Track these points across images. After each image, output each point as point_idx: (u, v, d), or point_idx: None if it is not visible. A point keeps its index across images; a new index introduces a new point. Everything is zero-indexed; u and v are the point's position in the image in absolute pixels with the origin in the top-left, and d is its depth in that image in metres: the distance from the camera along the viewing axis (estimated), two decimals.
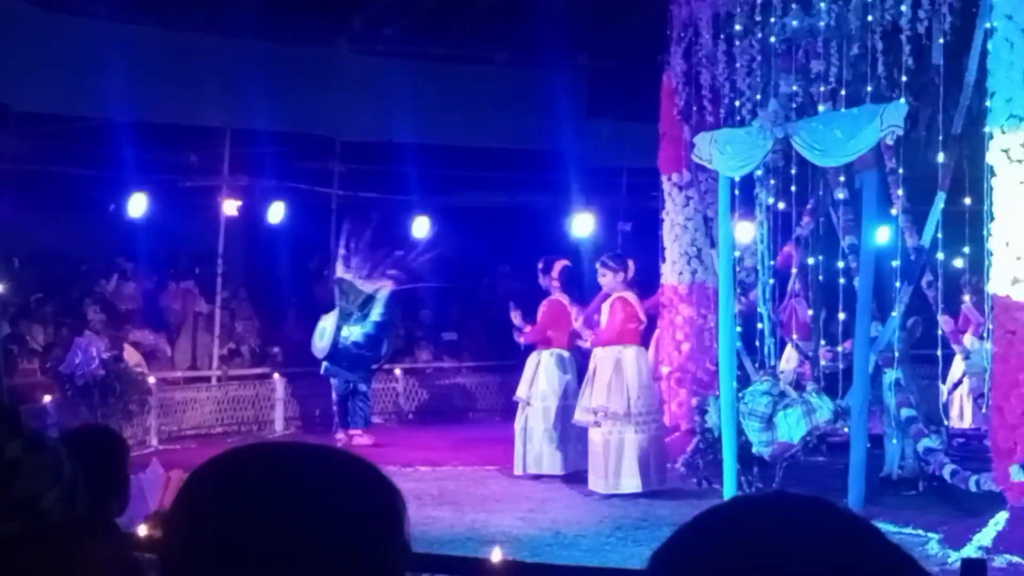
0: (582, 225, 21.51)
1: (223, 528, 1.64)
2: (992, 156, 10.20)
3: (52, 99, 17.89)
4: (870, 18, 11.75)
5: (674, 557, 1.28)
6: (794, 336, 14.00)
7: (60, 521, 2.71)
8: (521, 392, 13.77)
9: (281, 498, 1.65)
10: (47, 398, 14.84)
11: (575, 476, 13.30)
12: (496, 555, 5.52)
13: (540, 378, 13.69)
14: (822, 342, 13.79)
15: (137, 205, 18.82)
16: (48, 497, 2.68)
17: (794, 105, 12.39)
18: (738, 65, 13.40)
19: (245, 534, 1.62)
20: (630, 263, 13.17)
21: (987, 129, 10.36)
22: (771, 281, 13.65)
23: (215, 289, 19.06)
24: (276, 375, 18.13)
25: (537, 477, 13.39)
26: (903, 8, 11.32)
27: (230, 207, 18.94)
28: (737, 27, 13.36)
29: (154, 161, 19.06)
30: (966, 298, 14.58)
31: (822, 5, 12.12)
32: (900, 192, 12.18)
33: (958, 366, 13.66)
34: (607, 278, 12.90)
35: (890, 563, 1.25)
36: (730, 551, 1.24)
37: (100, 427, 7.32)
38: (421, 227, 19.06)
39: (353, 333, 16.17)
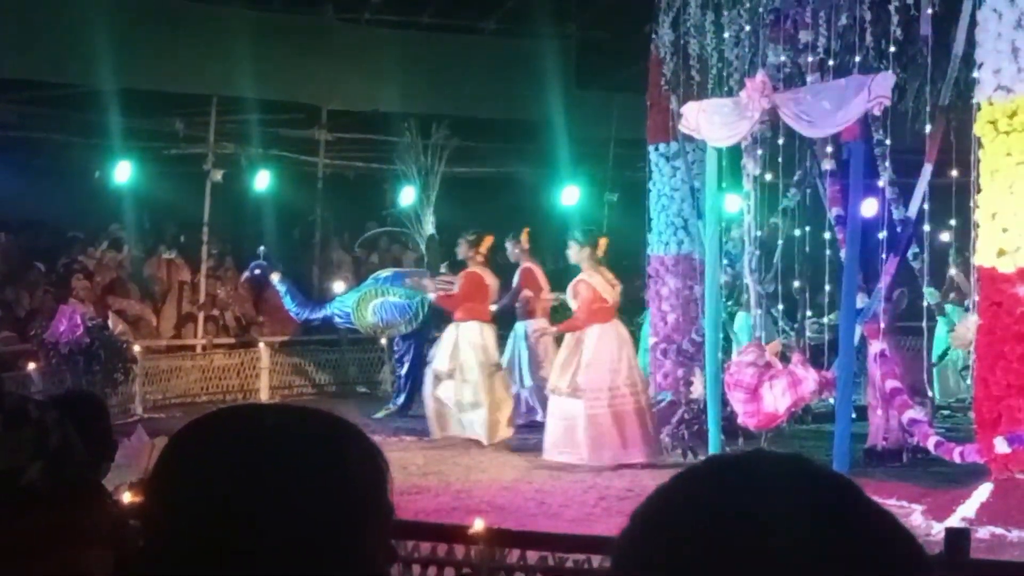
0: (569, 195, 21.49)
1: (204, 490, 1.63)
2: (979, 128, 10.19)
3: (37, 65, 17.79)
4: None
5: (654, 515, 1.28)
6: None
7: (49, 489, 2.69)
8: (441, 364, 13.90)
9: (261, 459, 1.64)
10: (31, 365, 14.82)
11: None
12: (480, 524, 5.52)
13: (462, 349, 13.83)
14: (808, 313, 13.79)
15: (122, 173, 18.77)
16: (31, 470, 2.66)
17: (782, 75, 12.37)
18: (726, 35, 13.38)
19: (226, 495, 1.61)
20: (600, 240, 13.26)
21: (974, 100, 10.35)
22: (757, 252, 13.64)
23: (200, 257, 19.03)
24: (261, 344, 18.11)
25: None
26: None
27: (216, 175, 18.90)
28: None
29: (140, 128, 19.01)
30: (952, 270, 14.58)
31: None
32: (887, 163, 12.19)
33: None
34: (573, 251, 12.96)
35: (868, 518, 1.25)
36: (709, 508, 1.24)
37: (80, 392, 7.32)
38: (407, 196, 18.99)
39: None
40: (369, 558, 1.70)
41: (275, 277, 15.21)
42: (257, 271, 16.43)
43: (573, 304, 12.82)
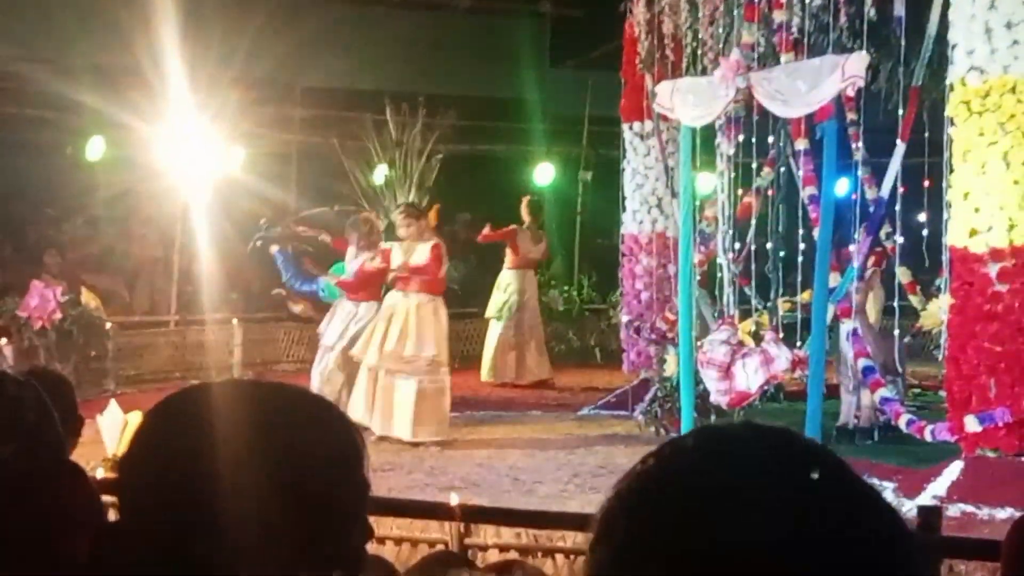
0: (543, 174, 21.48)
1: (180, 465, 1.63)
2: (952, 108, 10.23)
3: (8, 41, 17.70)
4: None
5: (640, 486, 1.29)
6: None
7: (25, 469, 2.68)
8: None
9: (236, 435, 1.64)
10: (2, 341, 14.76)
11: (530, 424, 13.44)
12: (454, 500, 5.54)
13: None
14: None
15: (95, 148, 18.69)
16: (5, 450, 2.64)
17: (756, 55, 12.38)
18: (701, 14, 13.38)
19: (200, 472, 1.61)
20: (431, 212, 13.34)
21: (948, 81, 10.39)
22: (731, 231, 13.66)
23: (174, 233, 18.97)
24: (234, 320, 18.08)
25: None
26: None
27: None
28: None
29: (111, 104, 18.90)
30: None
31: None
32: (860, 143, 12.22)
33: None
34: (412, 228, 12.92)
35: (853, 492, 1.27)
36: (696, 481, 1.25)
37: (43, 368, 7.27)
38: (380, 175, 18.94)
39: None
40: (346, 534, 1.71)
41: (273, 248, 15.31)
42: (259, 242, 16.55)
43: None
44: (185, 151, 18.29)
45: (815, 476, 1.26)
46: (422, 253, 12.72)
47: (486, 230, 17.05)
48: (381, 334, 12.62)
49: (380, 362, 12.54)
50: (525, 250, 17.20)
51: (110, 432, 10.04)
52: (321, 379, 13.38)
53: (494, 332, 17.12)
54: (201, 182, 17.95)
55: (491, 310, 17.22)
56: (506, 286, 17.16)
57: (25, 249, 18.20)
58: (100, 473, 6.35)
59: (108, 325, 16.30)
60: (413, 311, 12.65)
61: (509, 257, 17.20)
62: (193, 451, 1.63)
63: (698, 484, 1.24)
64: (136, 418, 10.04)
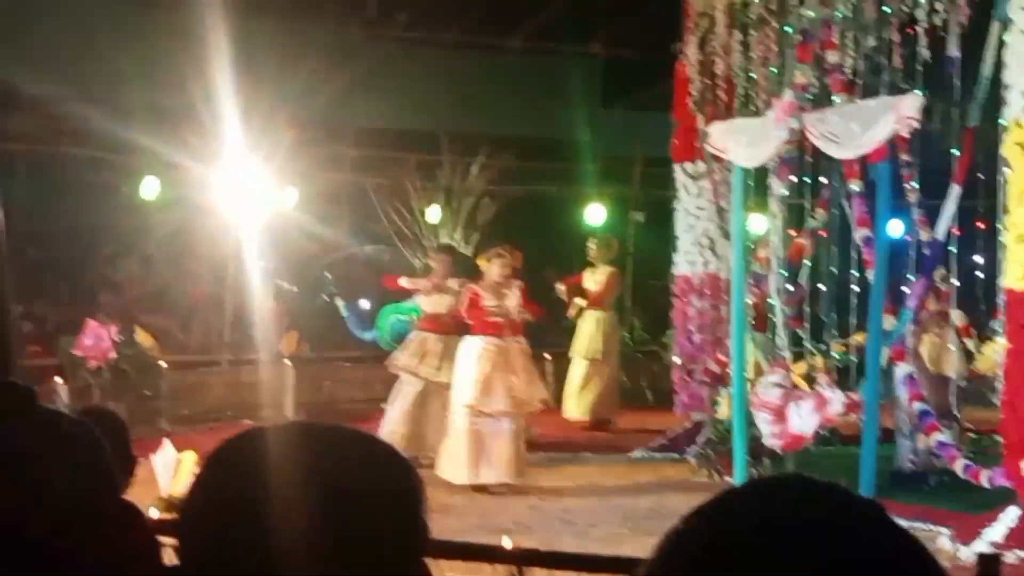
0: (594, 214, 21.48)
1: (244, 508, 1.63)
2: (1007, 149, 10.16)
3: (64, 82, 17.89)
4: (886, 9, 11.73)
5: (689, 536, 1.28)
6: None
7: (82, 508, 2.67)
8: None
9: (296, 480, 1.64)
10: (58, 381, 14.86)
11: (582, 466, 13.41)
12: (507, 543, 5.51)
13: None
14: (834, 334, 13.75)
15: (149, 189, 18.87)
16: (57, 485, 2.64)
17: (809, 96, 12.36)
18: (753, 55, 13.38)
19: (258, 517, 1.61)
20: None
21: (1002, 122, 10.33)
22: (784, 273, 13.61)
23: (226, 272, 19.07)
24: (287, 360, 18.13)
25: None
26: (920, 0, 11.29)
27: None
28: (752, 17, 13.33)
29: (166, 144, 19.07)
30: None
31: None
32: (914, 185, 12.17)
33: None
34: (509, 270, 12.86)
35: (901, 551, 1.26)
36: (745, 532, 1.24)
37: (97, 407, 7.29)
38: (434, 215, 19.01)
39: None
40: None
41: (339, 302, 15.47)
42: (327, 298, 16.76)
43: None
44: (238, 191, 18.42)
45: (863, 532, 1.25)
46: (516, 296, 12.72)
47: (586, 301, 17.16)
48: (502, 380, 12.49)
49: (510, 408, 12.45)
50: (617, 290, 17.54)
51: (164, 472, 10.09)
52: (409, 416, 13.42)
53: (601, 372, 17.16)
54: (254, 222, 18.06)
55: (587, 350, 17.21)
56: (605, 326, 17.22)
57: (81, 288, 18.34)
58: (154, 513, 6.35)
59: (162, 364, 16.39)
60: (520, 355, 12.68)
61: (603, 299, 17.26)
62: (250, 499, 1.63)
63: (747, 535, 1.24)
64: (190, 457, 10.08)
